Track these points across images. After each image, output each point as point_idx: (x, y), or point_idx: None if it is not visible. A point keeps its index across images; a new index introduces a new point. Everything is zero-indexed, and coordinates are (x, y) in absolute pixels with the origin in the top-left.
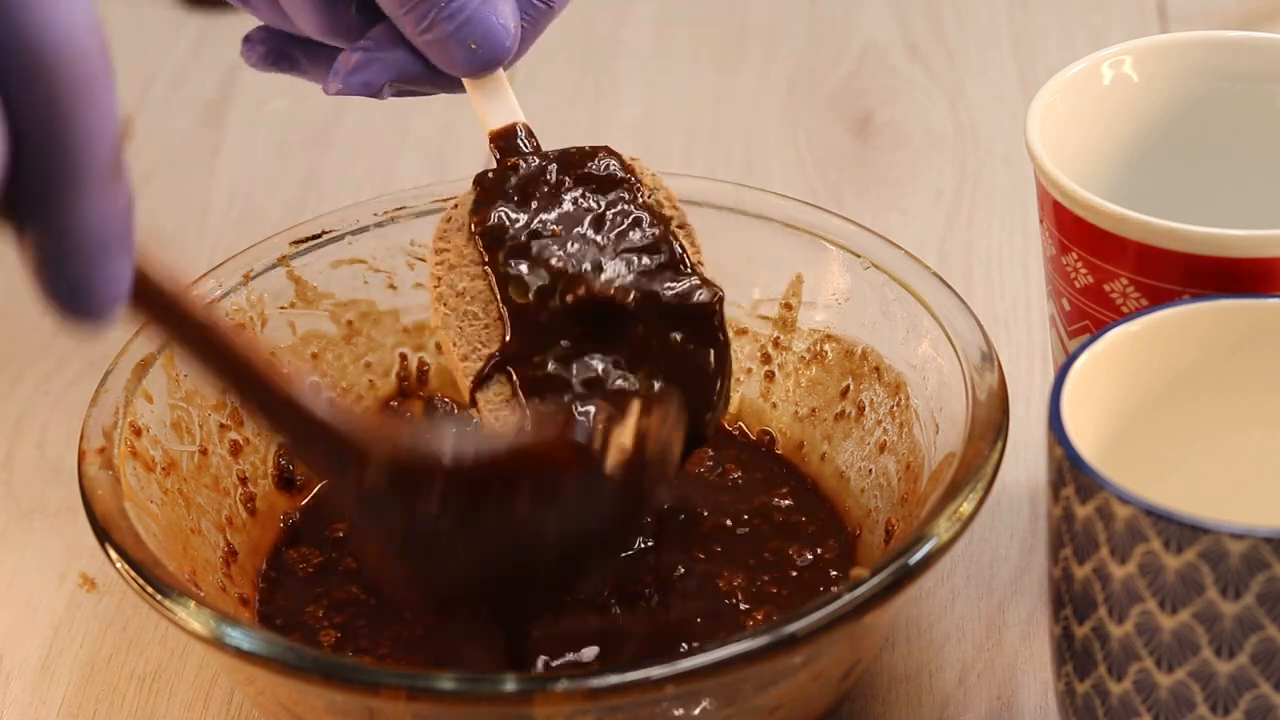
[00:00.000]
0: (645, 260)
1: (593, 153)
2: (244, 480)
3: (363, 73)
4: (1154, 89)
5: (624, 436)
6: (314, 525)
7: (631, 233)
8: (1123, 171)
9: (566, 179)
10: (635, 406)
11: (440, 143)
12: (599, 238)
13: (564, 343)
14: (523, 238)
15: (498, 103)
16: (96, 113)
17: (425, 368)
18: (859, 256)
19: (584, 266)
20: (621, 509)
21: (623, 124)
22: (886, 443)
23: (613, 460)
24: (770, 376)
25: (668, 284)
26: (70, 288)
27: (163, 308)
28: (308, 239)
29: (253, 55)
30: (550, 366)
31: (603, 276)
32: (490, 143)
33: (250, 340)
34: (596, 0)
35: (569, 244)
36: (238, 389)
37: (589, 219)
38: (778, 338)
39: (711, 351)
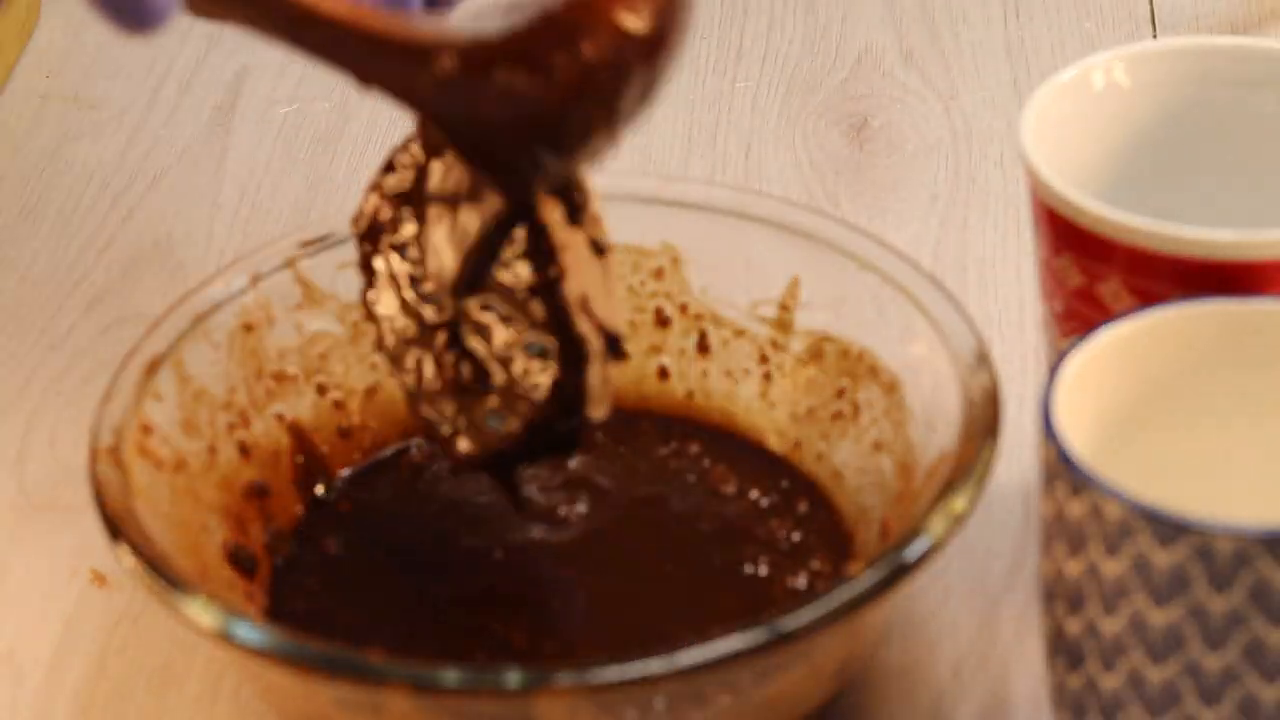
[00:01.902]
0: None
1: None
2: (253, 479)
3: None
4: (1145, 94)
5: None
6: (324, 521)
7: None
8: (1114, 175)
9: None
10: None
11: None
12: None
13: None
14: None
15: None
16: None
17: None
18: (855, 259)
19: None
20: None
21: None
22: (882, 442)
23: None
24: (768, 377)
25: None
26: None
27: None
28: (315, 241)
29: None
30: None
31: None
32: None
33: None
34: None
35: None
36: (301, 42)
37: None
38: (775, 339)
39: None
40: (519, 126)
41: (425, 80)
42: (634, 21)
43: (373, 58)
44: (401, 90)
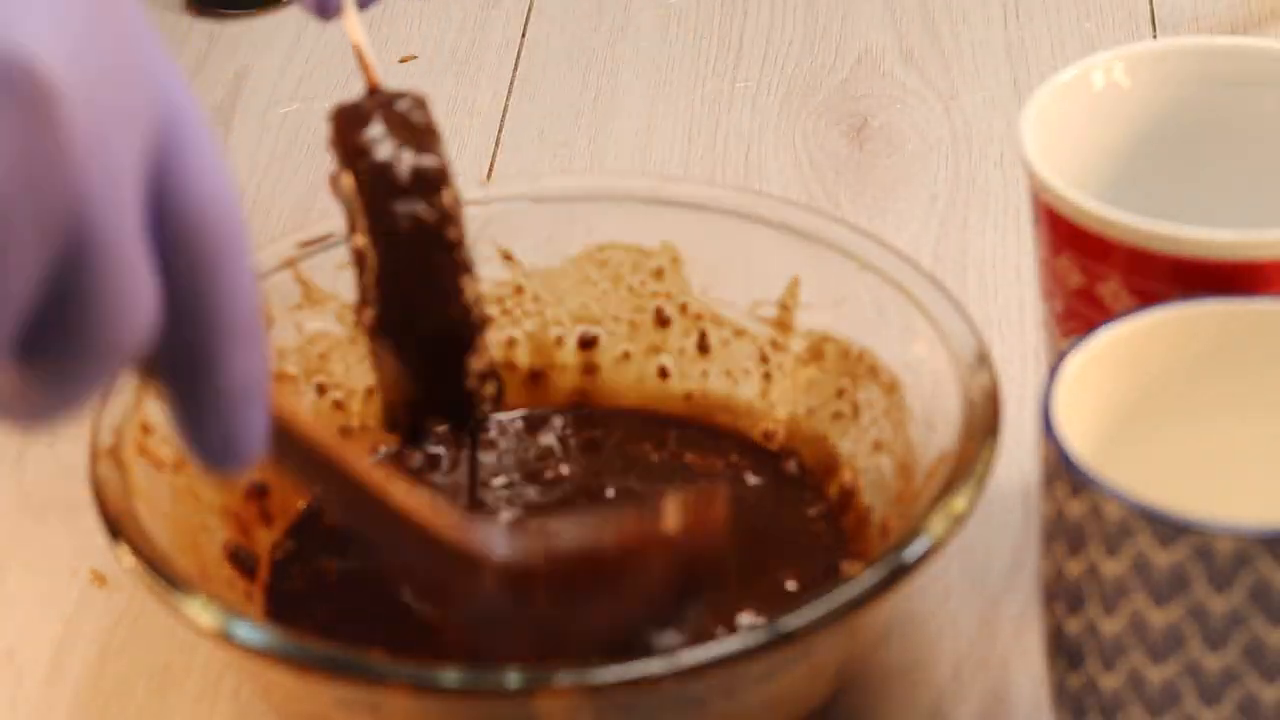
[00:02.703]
0: None
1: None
2: (253, 479)
3: None
4: (1145, 94)
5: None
6: (323, 521)
7: None
8: (1114, 175)
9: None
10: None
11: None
12: None
13: None
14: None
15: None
16: (241, 273)
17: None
18: (855, 259)
19: None
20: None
21: (623, 129)
22: (882, 442)
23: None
24: (768, 377)
25: None
26: (217, 441)
27: (291, 445)
28: (315, 241)
29: None
30: None
31: None
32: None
33: (368, 466)
34: (597, 9)
35: None
36: (365, 522)
37: None
38: (775, 339)
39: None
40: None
41: (464, 586)
42: (667, 572)
43: (423, 553)
44: (438, 584)
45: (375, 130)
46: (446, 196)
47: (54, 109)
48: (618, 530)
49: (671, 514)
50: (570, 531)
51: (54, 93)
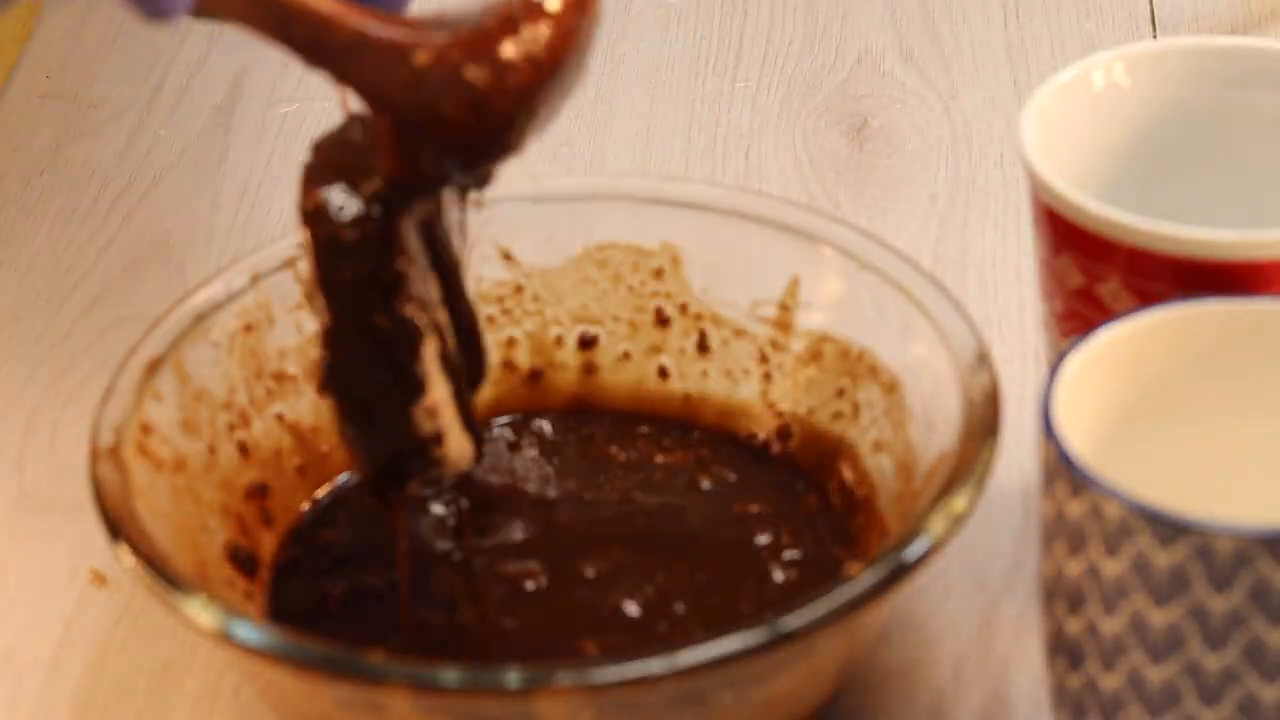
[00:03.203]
0: None
1: None
2: (253, 479)
3: None
4: (1145, 94)
5: None
6: (324, 522)
7: None
8: (1114, 175)
9: None
10: None
11: None
12: None
13: None
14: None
15: None
16: None
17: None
18: (855, 259)
19: None
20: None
21: (623, 129)
22: (882, 442)
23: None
24: (768, 377)
25: None
26: None
27: None
28: None
29: None
30: None
31: None
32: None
33: None
34: None
35: None
36: (289, 39)
37: None
38: (775, 339)
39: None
40: (465, 123)
41: (400, 75)
42: (573, 32)
43: (354, 54)
44: (376, 85)
45: (334, 193)
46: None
47: None
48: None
49: None
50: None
51: None
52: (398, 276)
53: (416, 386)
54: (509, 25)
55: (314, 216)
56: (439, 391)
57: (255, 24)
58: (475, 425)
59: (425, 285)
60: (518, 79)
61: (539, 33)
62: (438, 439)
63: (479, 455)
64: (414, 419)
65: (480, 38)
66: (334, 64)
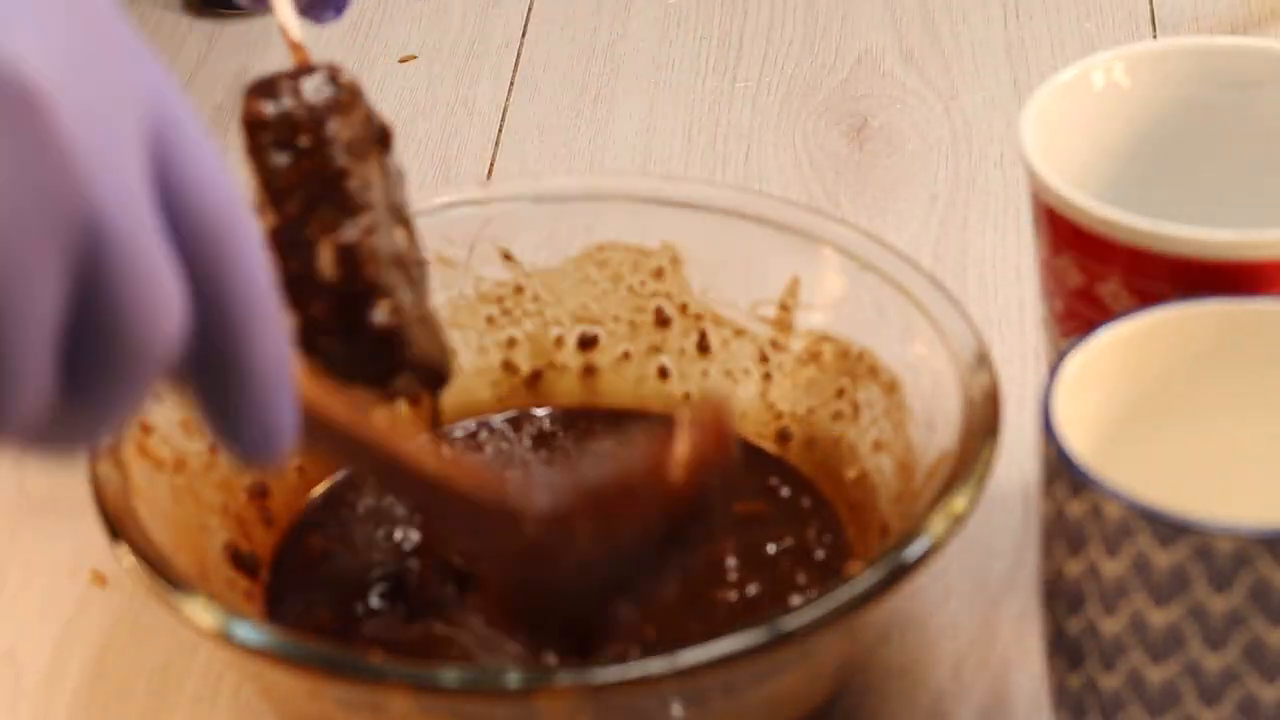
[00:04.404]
0: None
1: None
2: (253, 479)
3: None
4: (1145, 94)
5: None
6: (324, 521)
7: None
8: (1114, 175)
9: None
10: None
11: (443, 147)
12: None
13: None
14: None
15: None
16: (256, 255)
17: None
18: (855, 259)
19: None
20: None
21: (623, 129)
22: (882, 442)
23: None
24: (768, 377)
25: None
26: (256, 430)
27: (320, 426)
28: None
29: None
30: None
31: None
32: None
33: (396, 436)
34: (597, 9)
35: None
36: (401, 492)
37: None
38: (775, 339)
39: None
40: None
41: (508, 544)
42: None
43: (463, 517)
44: (481, 545)
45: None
46: (333, 129)
47: (50, 117)
48: (637, 458)
49: (683, 433)
50: (594, 469)
51: (48, 101)
52: (338, 171)
53: (368, 286)
54: (627, 496)
55: (254, 125)
56: (394, 284)
57: (363, 471)
58: (436, 323)
59: (371, 191)
60: (626, 543)
61: (650, 500)
62: (400, 338)
63: (445, 355)
64: (372, 320)
65: (597, 509)
66: (446, 523)
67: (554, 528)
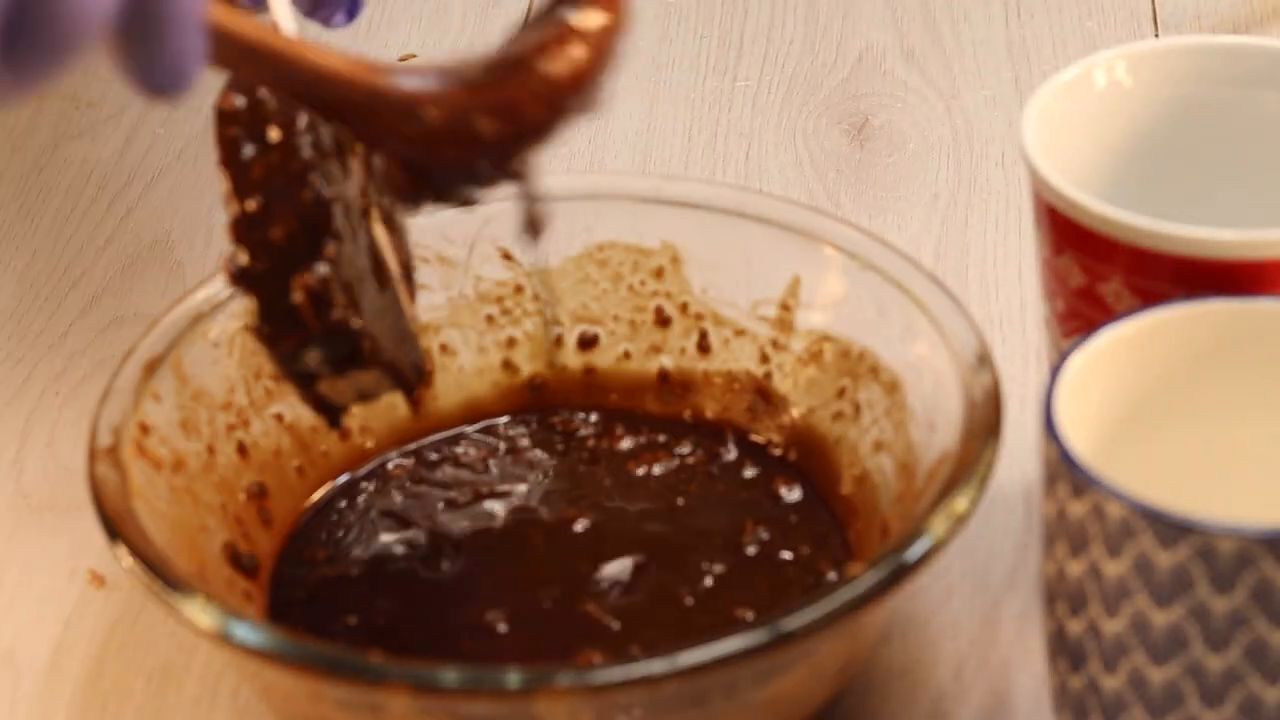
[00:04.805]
0: None
1: None
2: (252, 479)
3: None
4: (1147, 93)
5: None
6: (323, 522)
7: None
8: (1116, 175)
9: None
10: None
11: None
12: None
13: None
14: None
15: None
16: None
17: (429, 367)
18: (856, 258)
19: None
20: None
21: (623, 129)
22: (883, 442)
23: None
24: (769, 377)
25: None
26: (169, 71)
27: (225, 44)
28: None
29: None
30: None
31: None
32: None
33: (300, 44)
34: None
35: None
36: (310, 101)
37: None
38: (776, 338)
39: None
40: (474, 158)
41: (413, 131)
42: (583, 65)
43: (370, 112)
44: (392, 139)
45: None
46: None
47: None
48: (534, 33)
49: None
50: (490, 58)
51: None
52: (304, 165)
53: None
54: (523, 67)
55: (224, 115)
56: (363, 311)
57: (274, 83)
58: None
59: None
60: (531, 122)
61: (556, 70)
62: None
63: (412, 365)
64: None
65: (494, 85)
66: (353, 123)
67: (452, 114)
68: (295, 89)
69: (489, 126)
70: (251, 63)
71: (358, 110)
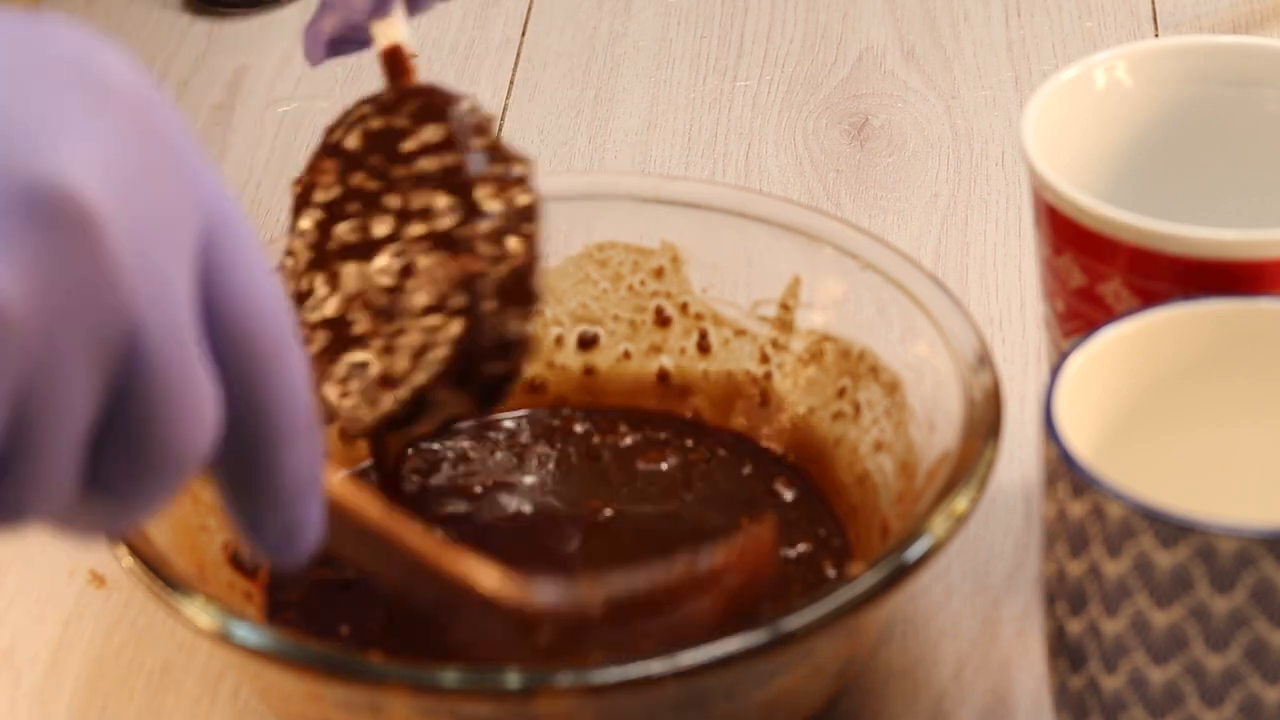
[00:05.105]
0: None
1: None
2: None
3: (319, 21)
4: (1147, 93)
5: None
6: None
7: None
8: (1116, 175)
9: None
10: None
11: None
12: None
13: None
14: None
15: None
16: (295, 368)
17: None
18: (856, 258)
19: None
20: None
21: (623, 129)
22: (883, 442)
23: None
24: (769, 377)
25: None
26: (278, 536)
27: (344, 527)
28: None
29: (317, 49)
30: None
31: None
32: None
33: (419, 537)
34: (597, 9)
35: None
36: (423, 595)
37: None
38: (776, 338)
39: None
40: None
41: (522, 646)
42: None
43: (483, 618)
44: (495, 643)
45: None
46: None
47: (96, 232)
48: (669, 577)
49: (722, 558)
50: (621, 582)
51: (96, 215)
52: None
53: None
54: (650, 606)
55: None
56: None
57: (387, 575)
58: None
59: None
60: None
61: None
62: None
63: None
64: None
65: (615, 621)
66: (438, 613)
67: (568, 634)
68: (412, 586)
69: (591, 653)
70: (366, 552)
71: (464, 610)
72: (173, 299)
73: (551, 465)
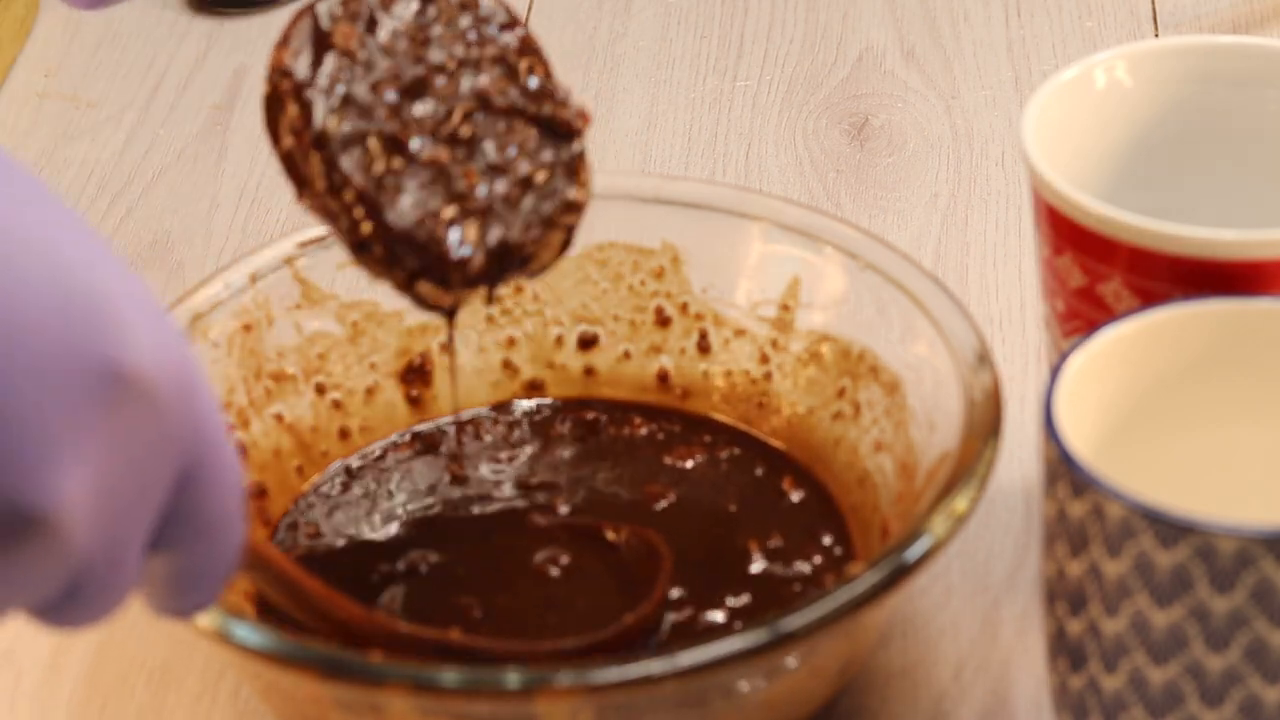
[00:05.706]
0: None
1: None
2: (252, 479)
3: None
4: (1147, 93)
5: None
6: (320, 520)
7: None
8: (1116, 174)
9: None
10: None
11: None
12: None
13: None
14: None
15: None
16: (228, 481)
17: (429, 367)
18: (856, 258)
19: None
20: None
21: (623, 128)
22: (883, 442)
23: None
24: (769, 377)
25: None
26: (195, 604)
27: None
28: (314, 240)
29: None
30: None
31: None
32: None
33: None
34: (597, 8)
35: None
36: (306, 616)
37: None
38: (776, 338)
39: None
40: None
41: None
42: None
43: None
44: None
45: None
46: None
47: (66, 547)
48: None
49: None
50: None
51: (68, 536)
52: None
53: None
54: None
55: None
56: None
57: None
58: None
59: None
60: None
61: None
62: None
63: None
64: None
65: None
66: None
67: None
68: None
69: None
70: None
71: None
72: (126, 566)
73: (549, 465)
